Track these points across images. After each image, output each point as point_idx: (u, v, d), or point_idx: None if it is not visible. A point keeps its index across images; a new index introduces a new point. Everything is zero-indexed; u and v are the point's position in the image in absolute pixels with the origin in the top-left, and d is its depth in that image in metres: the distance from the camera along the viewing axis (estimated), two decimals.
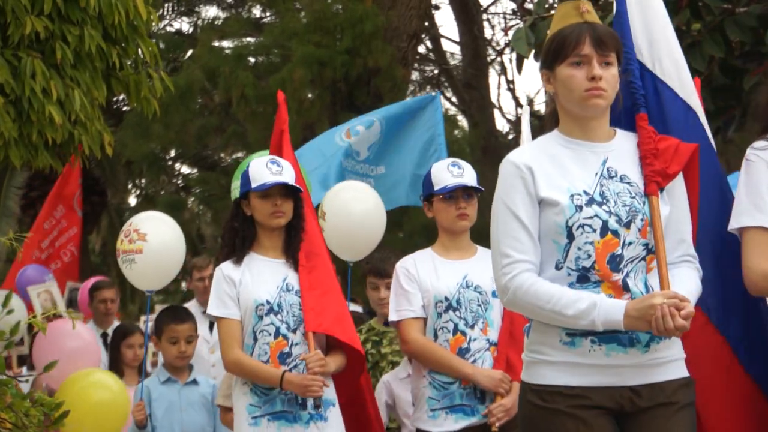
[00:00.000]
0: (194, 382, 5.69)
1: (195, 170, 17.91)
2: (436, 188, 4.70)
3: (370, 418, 4.92)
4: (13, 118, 5.68)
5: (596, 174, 3.24)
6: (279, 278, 4.62)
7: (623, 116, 3.41)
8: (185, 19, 17.87)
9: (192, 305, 7.30)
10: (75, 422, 5.84)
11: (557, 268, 3.19)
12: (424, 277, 4.66)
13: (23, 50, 5.70)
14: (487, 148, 15.98)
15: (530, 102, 19.23)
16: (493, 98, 18.68)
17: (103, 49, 5.96)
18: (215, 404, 5.41)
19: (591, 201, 3.18)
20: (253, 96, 12.39)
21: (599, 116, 3.27)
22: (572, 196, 3.18)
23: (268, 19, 16.21)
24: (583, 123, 3.27)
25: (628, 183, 3.25)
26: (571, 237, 3.17)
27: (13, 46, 5.68)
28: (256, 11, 16.79)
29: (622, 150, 3.30)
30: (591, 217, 3.17)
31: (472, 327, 4.60)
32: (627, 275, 3.17)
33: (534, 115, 15.32)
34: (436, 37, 18.28)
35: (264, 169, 4.62)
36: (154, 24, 6.78)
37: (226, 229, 4.78)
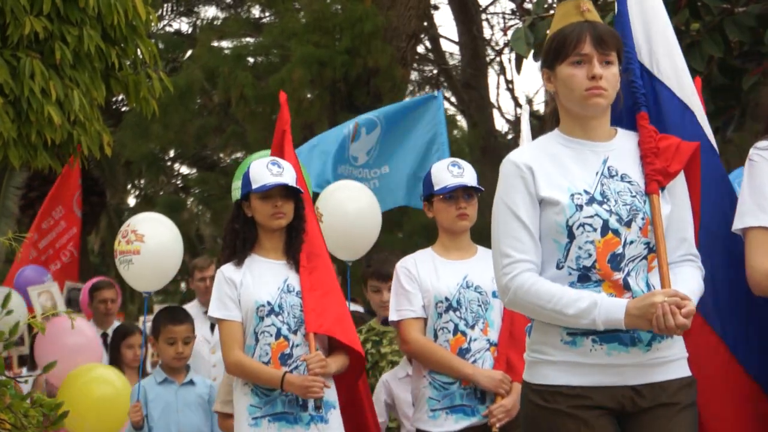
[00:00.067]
0: (191, 382, 5.68)
1: (194, 170, 17.92)
2: (436, 188, 4.69)
3: (368, 422, 4.91)
4: (12, 118, 5.68)
5: (597, 173, 3.23)
6: (280, 279, 4.62)
7: (624, 115, 3.41)
8: (184, 19, 17.89)
9: (193, 305, 7.31)
10: (78, 418, 5.86)
11: (558, 267, 3.19)
12: (424, 277, 4.66)
13: (22, 50, 5.70)
14: (486, 148, 15.98)
15: (529, 102, 19.24)
16: (493, 98, 18.68)
17: (102, 50, 5.97)
18: (213, 411, 5.39)
19: (591, 200, 3.18)
20: (252, 96, 12.39)
21: (600, 115, 3.27)
22: (572, 195, 3.18)
23: (268, 19, 16.21)
24: (583, 122, 3.27)
25: (629, 182, 3.24)
26: (571, 236, 3.17)
27: (12, 47, 5.67)
28: (256, 11, 16.79)
29: (623, 149, 3.30)
30: (591, 216, 3.16)
31: (472, 327, 4.59)
32: (628, 274, 3.17)
33: (533, 115, 15.34)
34: (435, 37, 18.27)
35: (264, 170, 4.61)
36: (153, 24, 6.78)
37: (227, 231, 4.77)
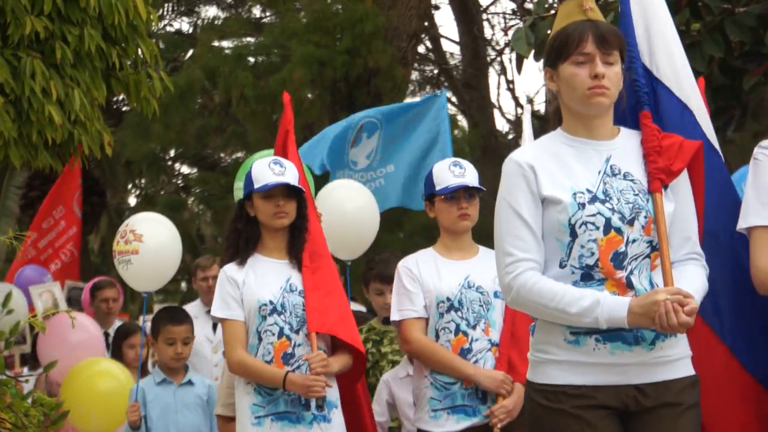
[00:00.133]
0: (189, 383, 5.67)
1: (195, 170, 17.92)
2: (437, 188, 4.69)
3: (365, 422, 4.91)
4: (12, 118, 5.68)
5: (599, 172, 3.23)
6: (282, 279, 4.62)
7: (627, 114, 3.41)
8: (185, 19, 17.89)
9: (196, 305, 7.31)
10: (82, 411, 5.90)
11: (561, 266, 3.19)
12: (426, 277, 4.65)
13: (23, 50, 5.70)
14: (486, 148, 15.98)
15: (530, 102, 19.24)
16: (493, 98, 18.71)
17: (103, 49, 5.97)
18: (214, 414, 5.39)
19: (594, 199, 3.18)
20: (252, 96, 12.39)
21: (602, 114, 3.27)
22: (575, 194, 3.18)
23: (268, 19, 16.21)
24: (586, 121, 3.27)
25: (632, 180, 3.24)
26: (574, 235, 3.17)
27: (12, 46, 5.68)
28: (256, 11, 16.80)
29: (625, 148, 3.30)
30: (594, 215, 3.16)
31: (473, 327, 4.59)
32: (631, 273, 3.17)
33: (534, 115, 15.32)
34: (436, 37, 18.28)
35: (267, 169, 4.62)
36: (153, 24, 6.79)
37: (229, 231, 4.78)
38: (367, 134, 7.32)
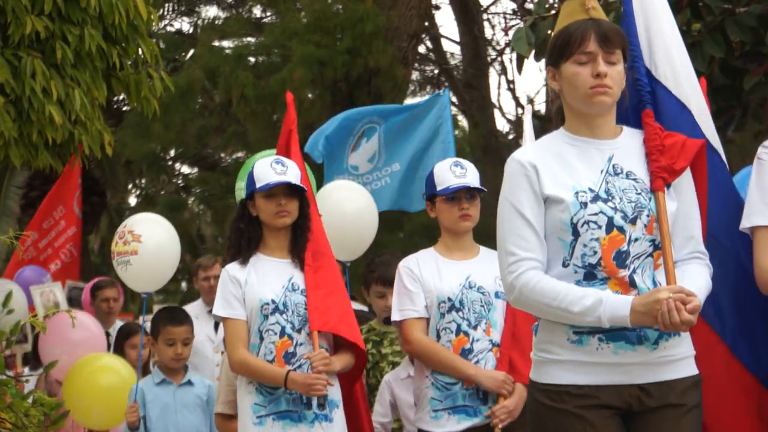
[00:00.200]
0: (189, 383, 5.67)
1: (195, 170, 17.92)
2: (438, 188, 4.68)
3: (363, 423, 4.91)
4: (13, 117, 5.69)
5: (601, 171, 3.23)
6: (284, 278, 4.63)
7: (630, 113, 3.41)
8: (185, 19, 17.90)
9: (197, 305, 7.31)
10: (84, 406, 5.90)
11: (564, 265, 3.18)
12: (427, 278, 4.65)
13: (23, 50, 5.70)
14: (487, 148, 15.98)
15: (531, 102, 19.24)
16: (494, 98, 18.71)
17: (104, 49, 5.97)
18: (214, 412, 5.38)
19: (596, 198, 3.18)
20: (253, 96, 12.39)
21: (605, 113, 3.27)
22: (577, 193, 3.18)
23: (269, 19, 16.21)
24: (588, 120, 3.27)
25: (634, 179, 3.24)
26: (576, 234, 3.16)
27: (13, 46, 5.68)
28: (257, 11, 16.79)
29: (628, 147, 3.30)
30: (596, 214, 3.16)
31: (475, 328, 4.59)
32: (634, 271, 3.16)
33: (534, 115, 15.32)
34: (436, 37, 18.28)
35: (268, 169, 4.62)
36: (154, 24, 6.79)
37: (232, 230, 4.78)
38: (366, 138, 7.31)
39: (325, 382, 4.46)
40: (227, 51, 13.86)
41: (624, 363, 3.14)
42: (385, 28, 12.28)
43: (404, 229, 13.24)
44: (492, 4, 18.79)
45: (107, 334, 7.68)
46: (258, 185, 4.60)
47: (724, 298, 3.52)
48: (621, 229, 3.16)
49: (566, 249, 3.18)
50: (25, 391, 5.09)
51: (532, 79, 21.51)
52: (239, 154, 15.80)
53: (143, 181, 17.97)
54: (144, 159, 14.74)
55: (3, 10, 5.61)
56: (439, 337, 4.60)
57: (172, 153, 17.00)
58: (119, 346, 6.86)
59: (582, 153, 3.25)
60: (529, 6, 14.53)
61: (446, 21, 45.39)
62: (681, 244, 3.27)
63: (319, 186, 6.88)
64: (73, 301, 8.78)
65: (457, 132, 15.94)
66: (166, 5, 16.94)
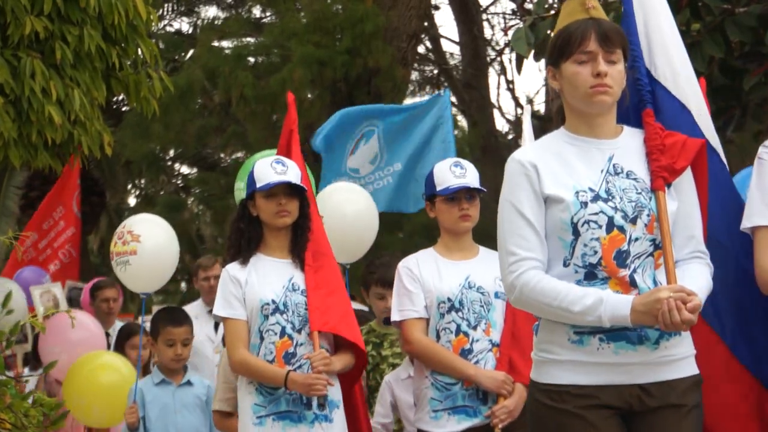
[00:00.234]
0: (188, 383, 5.67)
1: (194, 170, 17.93)
2: (438, 188, 4.68)
3: (361, 423, 4.91)
4: (12, 118, 5.69)
5: (602, 171, 3.23)
6: (285, 278, 4.62)
7: (631, 113, 3.40)
8: (185, 19, 17.90)
9: (197, 305, 7.31)
10: (85, 404, 5.90)
11: (565, 265, 3.18)
12: (426, 278, 4.65)
13: (23, 50, 5.70)
14: (486, 148, 15.99)
15: (530, 102, 19.25)
16: (493, 98, 18.71)
17: (103, 49, 5.97)
18: (213, 410, 5.37)
19: (596, 197, 3.18)
20: (252, 96, 12.39)
21: (605, 113, 3.26)
22: (577, 192, 3.18)
23: (268, 19, 16.21)
24: (589, 120, 3.27)
25: (635, 179, 3.23)
26: (576, 233, 3.16)
27: (12, 46, 5.68)
28: (256, 11, 16.79)
29: (628, 146, 3.29)
30: (596, 213, 3.16)
31: (474, 328, 4.58)
32: (634, 271, 3.16)
33: (534, 115, 15.33)
34: (435, 37, 18.28)
35: (268, 168, 4.62)
36: (153, 24, 6.79)
37: (232, 230, 4.78)
38: (364, 141, 7.30)
39: (325, 382, 4.46)
40: (227, 51, 13.86)
41: (625, 363, 3.14)
42: (384, 29, 12.28)
43: (404, 230, 13.24)
44: (491, 4, 18.82)
45: (107, 335, 7.69)
46: (258, 185, 4.60)
47: (723, 298, 3.51)
48: (621, 229, 3.16)
49: (567, 249, 3.18)
50: (25, 391, 5.09)
51: (532, 79, 21.53)
52: (239, 155, 15.80)
53: (143, 181, 17.97)
54: (143, 159, 14.74)
55: (2, 11, 5.61)
56: (438, 337, 4.60)
57: (172, 153, 17.01)
58: (120, 346, 6.85)
59: (582, 152, 3.25)
60: (529, 6, 14.53)
61: (446, 21, 45.48)
62: (681, 244, 3.27)
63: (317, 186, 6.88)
64: (73, 302, 8.78)
65: (456, 132, 15.92)
66: (166, 5, 16.94)
